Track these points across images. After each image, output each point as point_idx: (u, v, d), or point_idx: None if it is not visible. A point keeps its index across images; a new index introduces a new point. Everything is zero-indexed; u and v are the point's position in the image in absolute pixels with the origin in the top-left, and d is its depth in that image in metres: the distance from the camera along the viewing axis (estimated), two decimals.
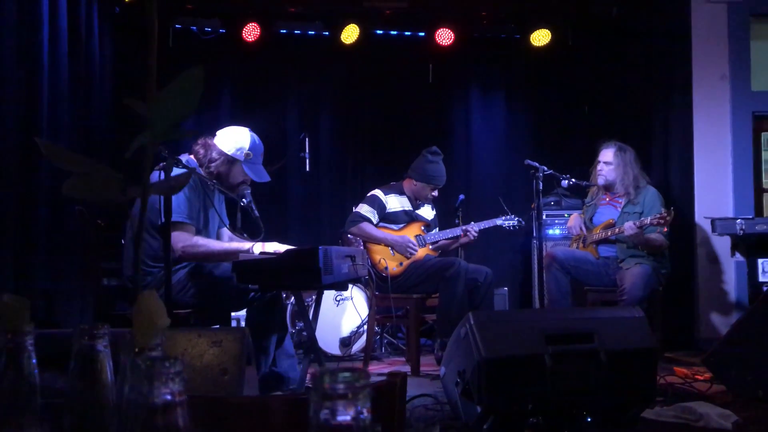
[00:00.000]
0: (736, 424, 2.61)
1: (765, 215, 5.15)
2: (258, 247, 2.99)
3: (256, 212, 3.13)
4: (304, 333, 3.94)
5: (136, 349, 0.64)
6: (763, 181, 5.21)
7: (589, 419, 2.63)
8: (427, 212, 4.64)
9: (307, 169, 5.10)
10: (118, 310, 3.34)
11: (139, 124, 0.70)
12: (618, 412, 2.70)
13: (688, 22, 5.03)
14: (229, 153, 3.22)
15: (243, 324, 3.49)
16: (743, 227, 4.40)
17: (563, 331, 2.66)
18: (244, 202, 3.12)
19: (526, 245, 5.67)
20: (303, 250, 2.79)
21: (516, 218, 4.56)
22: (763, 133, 5.17)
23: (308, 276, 2.68)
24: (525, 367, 2.56)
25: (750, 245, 4.57)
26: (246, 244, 3.04)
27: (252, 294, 2.99)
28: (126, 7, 5.13)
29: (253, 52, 5.59)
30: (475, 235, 4.46)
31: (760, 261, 4.52)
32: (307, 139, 5.01)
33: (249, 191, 3.20)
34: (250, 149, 3.27)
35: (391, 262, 4.33)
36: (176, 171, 2.95)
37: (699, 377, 3.47)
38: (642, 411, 2.74)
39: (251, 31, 5.54)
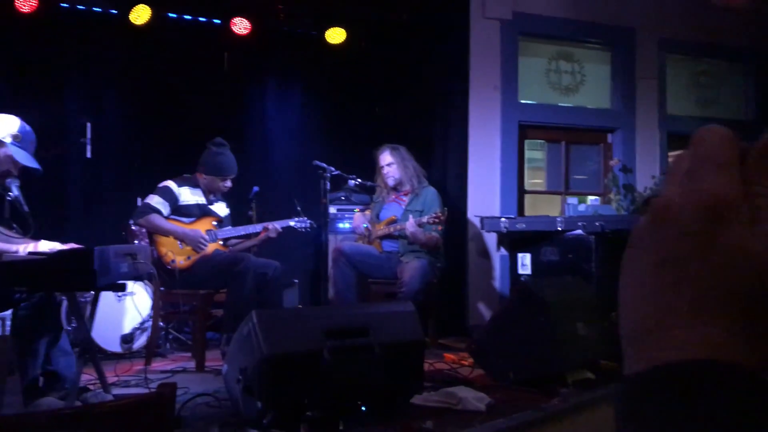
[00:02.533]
0: (489, 405, 2.95)
1: (526, 214, 5.78)
2: (29, 247, 2.79)
3: (25, 207, 2.91)
4: None
5: None
6: (526, 183, 5.85)
7: (363, 408, 2.82)
8: (221, 209, 4.60)
9: (89, 155, 4.80)
10: None
11: None
12: (390, 400, 2.93)
13: (467, 36, 5.47)
14: None
15: (8, 324, 3.23)
16: (506, 225, 4.92)
17: (341, 326, 2.82)
18: (10, 197, 2.89)
19: (318, 239, 5.82)
20: (76, 251, 2.66)
21: (308, 221, 4.66)
22: (526, 141, 5.79)
23: (82, 278, 2.56)
24: (305, 362, 2.68)
25: (512, 241, 5.12)
26: (13, 246, 2.82)
27: (18, 294, 2.80)
28: None
29: (29, 25, 5.13)
30: (278, 233, 4.52)
31: (519, 255, 5.07)
32: (89, 124, 4.72)
33: (17, 184, 2.96)
34: (19, 132, 3.03)
35: (178, 256, 4.25)
36: None
37: (464, 363, 3.83)
38: (411, 398, 2.99)
39: (27, 1, 5.08)
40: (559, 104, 5.81)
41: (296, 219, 4.64)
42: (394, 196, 4.95)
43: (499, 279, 5.44)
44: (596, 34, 5.82)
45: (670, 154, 6.14)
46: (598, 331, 3.79)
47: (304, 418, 2.53)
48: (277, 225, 4.53)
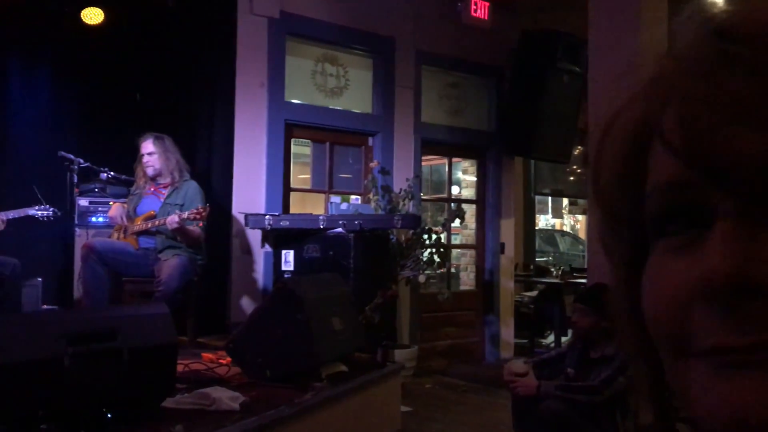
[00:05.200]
0: (243, 404, 2.96)
1: (294, 211, 5.88)
2: None
3: None
4: None
5: None
6: (293, 180, 5.94)
7: (109, 416, 2.68)
8: None
9: None
10: None
11: None
12: (139, 406, 2.81)
13: (234, 29, 5.41)
14: None
15: None
16: (271, 222, 4.96)
17: (86, 330, 2.65)
18: None
19: (65, 233, 5.38)
20: None
21: (51, 209, 4.30)
22: (293, 139, 5.89)
23: None
24: (41, 371, 2.47)
25: (276, 238, 5.18)
26: None
27: None
28: None
29: None
30: (2, 225, 4.08)
31: (283, 252, 5.15)
32: None
33: None
34: None
35: None
36: None
37: (222, 362, 3.79)
38: (162, 401, 2.90)
39: None
40: (325, 106, 5.98)
41: (36, 207, 4.26)
42: (153, 188, 4.74)
43: (262, 276, 5.46)
44: (359, 40, 6.08)
45: (424, 158, 6.63)
46: (353, 325, 3.98)
47: (40, 431, 2.33)
48: (2, 215, 4.11)
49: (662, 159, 0.35)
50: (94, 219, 5.26)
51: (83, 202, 5.08)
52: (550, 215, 13.73)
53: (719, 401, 0.33)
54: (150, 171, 4.69)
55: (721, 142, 0.32)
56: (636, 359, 0.42)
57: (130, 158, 4.80)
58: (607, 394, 3.14)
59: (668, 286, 0.35)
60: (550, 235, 12.34)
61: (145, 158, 4.68)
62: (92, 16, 5.49)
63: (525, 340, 7.15)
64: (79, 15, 5.45)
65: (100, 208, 5.28)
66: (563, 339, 6.57)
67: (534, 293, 7.60)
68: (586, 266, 6.98)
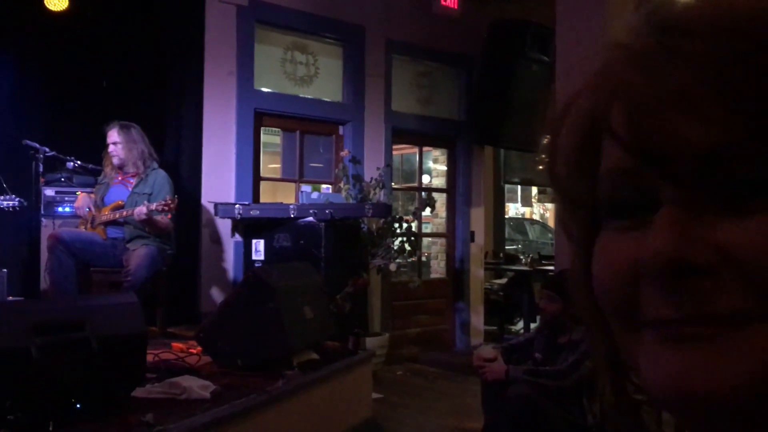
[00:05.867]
0: (214, 393, 2.96)
1: (265, 201, 5.86)
2: None
3: None
4: None
5: None
6: (263, 169, 5.92)
7: (78, 406, 2.66)
8: None
9: None
10: None
11: None
12: (109, 396, 2.80)
13: (202, 16, 5.35)
14: None
15: None
16: (241, 212, 4.94)
17: (54, 321, 2.62)
18: None
19: (31, 224, 5.29)
20: None
21: (16, 199, 4.23)
22: (262, 128, 5.85)
23: None
24: (8, 361, 2.45)
25: (246, 227, 5.16)
26: None
27: None
28: None
29: None
30: None
31: (253, 241, 5.14)
32: None
33: None
34: None
35: None
36: None
37: (193, 351, 3.79)
38: (132, 391, 2.89)
39: None
40: (295, 94, 5.95)
41: (1, 197, 4.19)
42: (120, 178, 4.69)
43: (232, 265, 5.44)
44: (329, 29, 6.06)
45: (394, 147, 6.65)
46: (324, 313, 4.00)
47: (5, 422, 2.31)
48: None
49: (611, 147, 0.38)
50: (60, 209, 5.18)
51: (49, 191, 5.00)
52: (519, 204, 13.87)
53: (663, 371, 0.35)
54: (115, 160, 4.65)
55: (664, 132, 0.34)
56: (592, 334, 0.45)
57: (98, 147, 4.74)
58: (574, 378, 3.20)
59: (615, 262, 0.38)
60: (520, 223, 12.47)
61: (111, 147, 4.63)
62: (57, 2, 5.39)
63: (495, 327, 7.24)
64: (44, 1, 5.34)
65: (66, 198, 5.20)
66: (532, 325, 6.66)
67: (503, 281, 7.69)
68: (554, 254, 7.08)
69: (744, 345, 0.33)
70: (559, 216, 0.46)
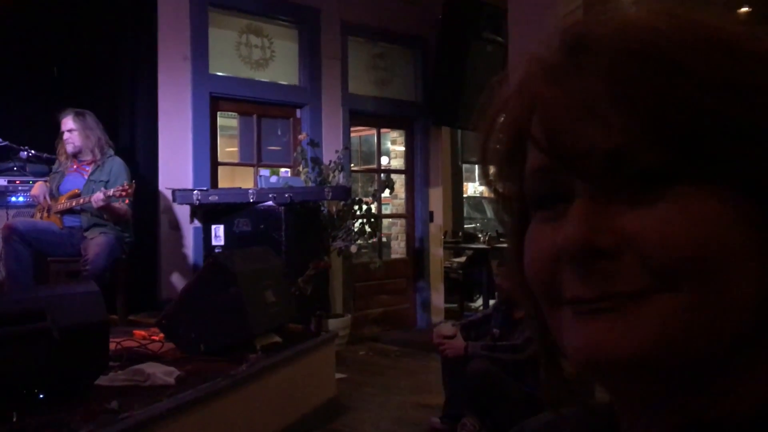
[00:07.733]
0: (178, 378, 2.98)
1: (222, 186, 5.84)
2: None
3: None
4: None
5: None
6: (221, 154, 5.89)
7: (42, 396, 2.66)
8: None
9: None
10: None
11: None
12: (72, 385, 2.80)
13: (154, 0, 5.27)
14: None
15: None
16: (199, 197, 4.93)
17: (12, 312, 2.61)
18: None
19: None
20: None
21: None
22: (219, 112, 5.82)
23: None
24: None
25: (205, 213, 5.15)
26: None
27: None
28: None
29: None
30: None
31: (213, 227, 5.13)
32: None
33: None
34: None
35: None
36: None
37: (155, 338, 3.79)
38: (95, 379, 2.90)
39: None
40: (250, 78, 5.92)
41: None
42: (76, 166, 4.63)
43: (192, 252, 5.43)
44: (284, 11, 6.03)
45: (353, 129, 6.67)
46: (286, 296, 4.04)
47: None
48: None
49: (533, 151, 0.44)
50: (13, 199, 5.08)
51: (1, 181, 4.90)
52: (477, 183, 14.02)
53: (578, 342, 0.42)
54: (70, 148, 4.58)
55: (573, 137, 0.40)
56: (527, 314, 0.51)
57: (52, 135, 4.66)
58: (529, 352, 3.31)
59: (540, 249, 0.44)
60: (478, 201, 12.61)
61: (66, 135, 4.56)
62: None
63: (455, 305, 7.37)
64: None
65: (20, 188, 5.10)
66: (491, 302, 6.80)
67: (462, 259, 7.81)
68: None
69: (642, 316, 0.40)
70: (494, 209, 0.52)
